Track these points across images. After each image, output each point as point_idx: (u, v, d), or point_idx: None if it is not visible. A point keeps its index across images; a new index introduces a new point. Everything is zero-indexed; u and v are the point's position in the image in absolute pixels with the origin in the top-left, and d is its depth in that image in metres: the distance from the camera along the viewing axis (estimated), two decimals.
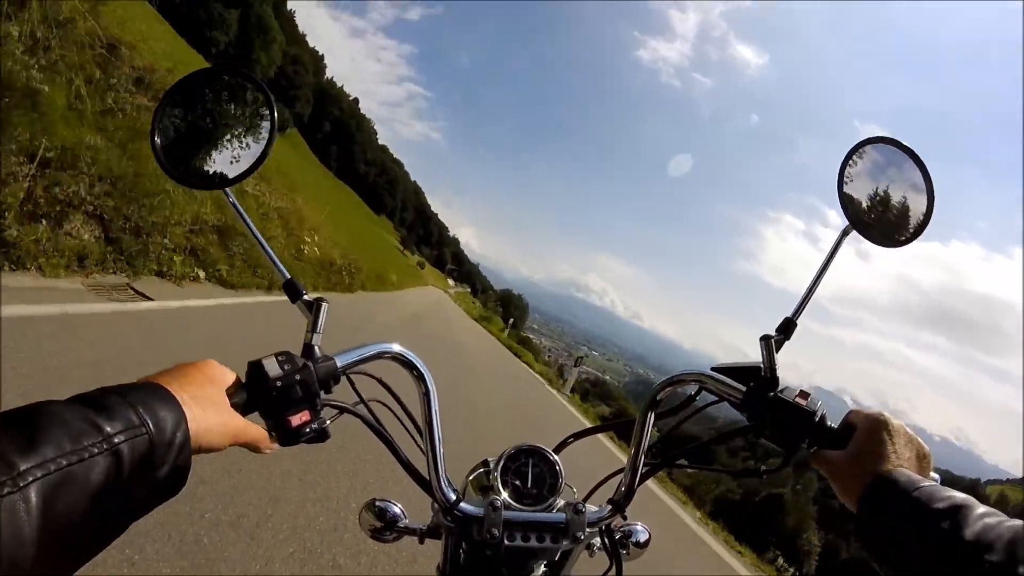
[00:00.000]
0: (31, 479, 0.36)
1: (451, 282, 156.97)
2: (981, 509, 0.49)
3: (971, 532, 0.47)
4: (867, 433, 0.63)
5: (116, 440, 0.42)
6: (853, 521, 0.57)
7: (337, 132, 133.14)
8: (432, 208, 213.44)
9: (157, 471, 0.45)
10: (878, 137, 0.81)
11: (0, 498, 0.34)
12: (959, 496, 0.52)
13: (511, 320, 58.23)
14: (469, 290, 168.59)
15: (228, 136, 0.82)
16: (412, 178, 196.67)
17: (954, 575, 0.47)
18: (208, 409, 0.52)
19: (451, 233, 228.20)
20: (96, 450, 0.40)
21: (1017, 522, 0.47)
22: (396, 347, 0.75)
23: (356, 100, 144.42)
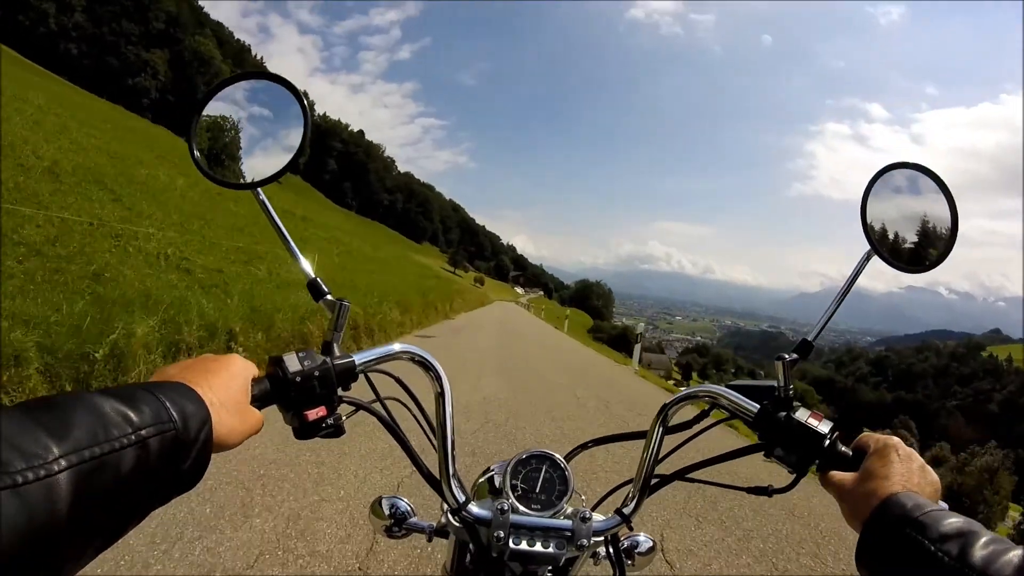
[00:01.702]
0: (66, 464, 0.38)
1: (519, 290, 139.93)
2: (987, 535, 0.49)
3: (978, 557, 0.47)
4: (877, 456, 0.63)
5: (145, 433, 0.44)
6: (857, 545, 0.56)
7: (345, 167, 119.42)
8: (478, 221, 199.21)
9: (180, 465, 0.47)
10: (903, 163, 0.81)
11: (37, 480, 0.36)
12: (965, 521, 0.51)
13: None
14: (542, 293, 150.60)
15: (259, 139, 0.85)
16: (448, 196, 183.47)
17: None
18: (231, 411, 0.55)
19: (504, 242, 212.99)
20: (127, 441, 0.42)
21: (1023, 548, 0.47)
22: (413, 348, 0.76)
23: (361, 132, 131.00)
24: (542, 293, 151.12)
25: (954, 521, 0.51)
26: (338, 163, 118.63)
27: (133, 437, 0.43)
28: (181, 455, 0.47)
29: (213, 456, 0.52)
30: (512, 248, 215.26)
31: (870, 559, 0.55)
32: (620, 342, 62.51)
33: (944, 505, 0.59)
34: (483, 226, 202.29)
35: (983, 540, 0.48)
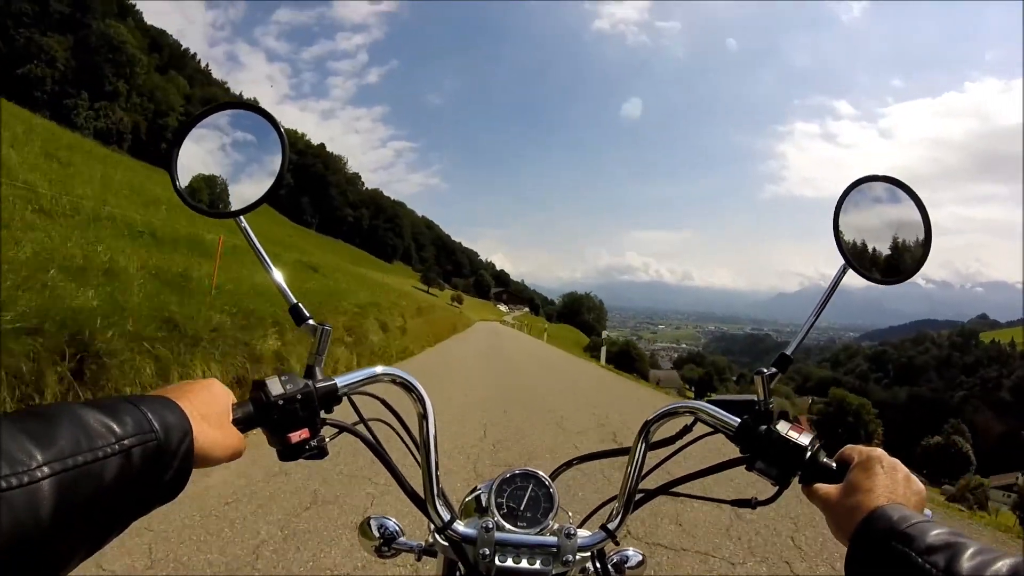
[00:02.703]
0: (49, 472, 0.38)
1: (503, 307, 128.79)
2: (975, 546, 0.49)
3: (966, 569, 0.47)
4: (862, 467, 0.64)
5: (128, 443, 0.44)
6: (845, 558, 0.57)
7: (303, 180, 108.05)
8: (454, 238, 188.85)
9: (162, 475, 0.48)
10: (874, 176, 0.82)
11: (21, 486, 0.36)
12: (951, 532, 0.51)
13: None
14: (527, 310, 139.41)
15: (239, 167, 0.88)
16: (420, 213, 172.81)
17: None
18: (213, 426, 0.56)
19: (483, 258, 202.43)
20: (110, 450, 0.43)
21: (1010, 557, 0.47)
22: (394, 370, 0.78)
23: (322, 145, 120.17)
24: (527, 309, 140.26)
25: (940, 532, 0.51)
26: (294, 176, 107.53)
27: (116, 447, 0.43)
28: (163, 465, 0.48)
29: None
30: (492, 265, 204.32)
31: (858, 572, 0.55)
32: (624, 360, 51.20)
33: (929, 515, 0.59)
34: (459, 243, 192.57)
35: (970, 551, 0.48)
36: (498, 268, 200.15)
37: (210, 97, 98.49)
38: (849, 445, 0.68)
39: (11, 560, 0.36)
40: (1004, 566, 0.46)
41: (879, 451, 0.65)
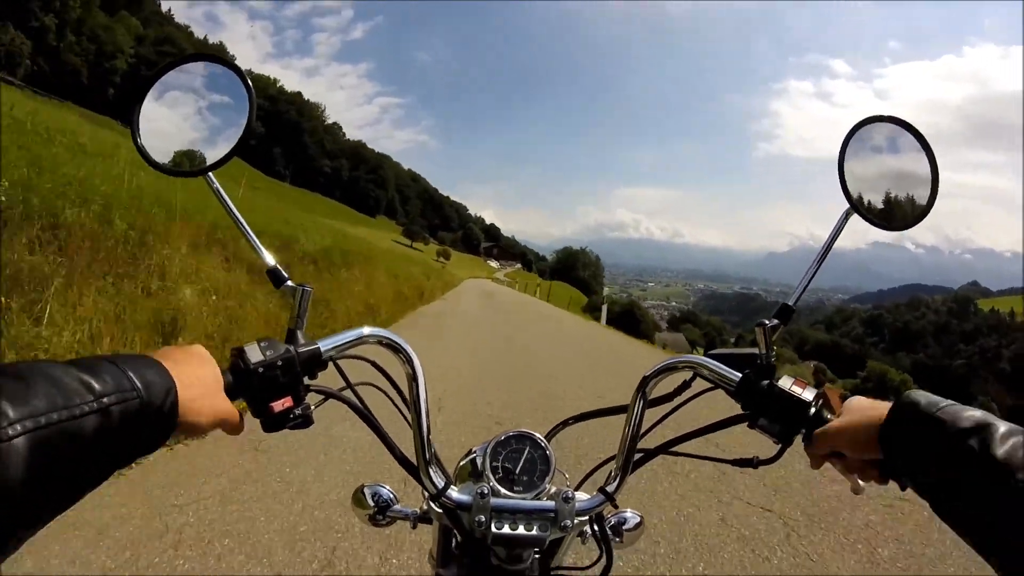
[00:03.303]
0: (21, 430, 0.38)
1: (493, 263, 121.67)
2: (1005, 427, 0.49)
3: (1001, 450, 0.47)
4: (856, 399, 0.65)
5: (107, 401, 0.44)
6: (879, 461, 0.56)
7: (274, 128, 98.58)
8: (441, 191, 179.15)
9: (143, 430, 0.48)
10: (879, 116, 0.78)
11: None
12: (981, 414, 0.51)
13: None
14: (519, 266, 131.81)
15: (206, 122, 0.83)
16: (406, 167, 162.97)
17: (987, 493, 0.47)
18: (198, 387, 0.55)
19: (472, 213, 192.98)
20: (87, 408, 0.43)
21: None
22: (381, 331, 0.75)
23: (298, 93, 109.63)
24: (519, 266, 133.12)
25: (970, 415, 0.51)
26: (265, 124, 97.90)
27: (95, 404, 0.43)
28: (145, 421, 0.47)
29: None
30: (481, 219, 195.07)
31: (896, 466, 0.56)
32: (628, 322, 44.39)
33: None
34: (447, 196, 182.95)
35: (1001, 431, 0.49)
36: (488, 223, 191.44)
37: (166, 38, 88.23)
38: (829, 387, 0.64)
39: None
40: None
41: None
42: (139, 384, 0.47)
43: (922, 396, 0.55)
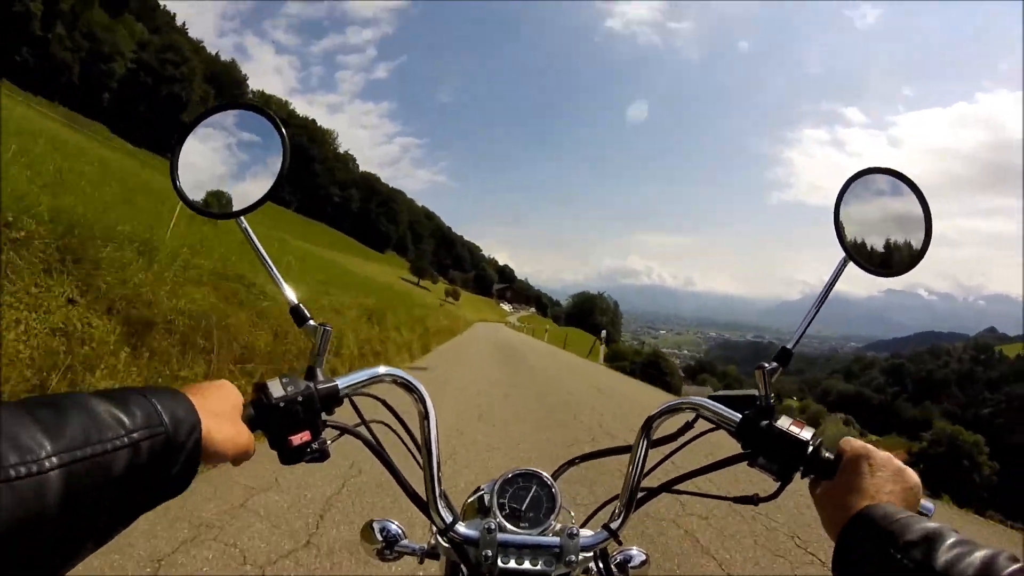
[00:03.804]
0: (58, 463, 0.38)
1: (506, 306, 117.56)
2: (953, 538, 0.50)
3: (941, 561, 0.48)
4: (850, 466, 0.65)
5: (137, 436, 0.44)
6: (832, 555, 0.58)
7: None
8: (455, 231, 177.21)
9: (170, 469, 0.48)
10: (874, 168, 0.82)
11: (29, 475, 0.36)
12: (933, 526, 0.52)
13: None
14: (533, 310, 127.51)
15: (241, 168, 0.89)
16: (420, 204, 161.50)
17: None
18: (222, 422, 0.56)
19: (486, 254, 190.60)
20: (119, 443, 0.43)
21: (988, 549, 0.48)
22: (396, 370, 0.77)
23: (315, 120, 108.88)
24: (534, 310, 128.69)
25: (921, 527, 0.52)
26: None
27: (126, 439, 0.43)
28: (171, 459, 0.48)
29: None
30: (494, 261, 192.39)
31: (842, 569, 0.57)
32: (653, 373, 39.71)
33: (930, 507, 0.62)
34: (461, 236, 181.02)
35: (948, 543, 0.49)
36: (501, 264, 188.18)
37: (170, 45, 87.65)
38: (845, 438, 0.69)
39: (17, 550, 0.36)
40: (978, 558, 0.47)
41: (870, 447, 0.66)
42: (167, 419, 0.47)
43: (881, 509, 0.57)
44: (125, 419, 0.44)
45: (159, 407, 0.48)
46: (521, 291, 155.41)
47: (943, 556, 0.48)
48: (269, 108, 0.85)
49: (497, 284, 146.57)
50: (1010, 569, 0.45)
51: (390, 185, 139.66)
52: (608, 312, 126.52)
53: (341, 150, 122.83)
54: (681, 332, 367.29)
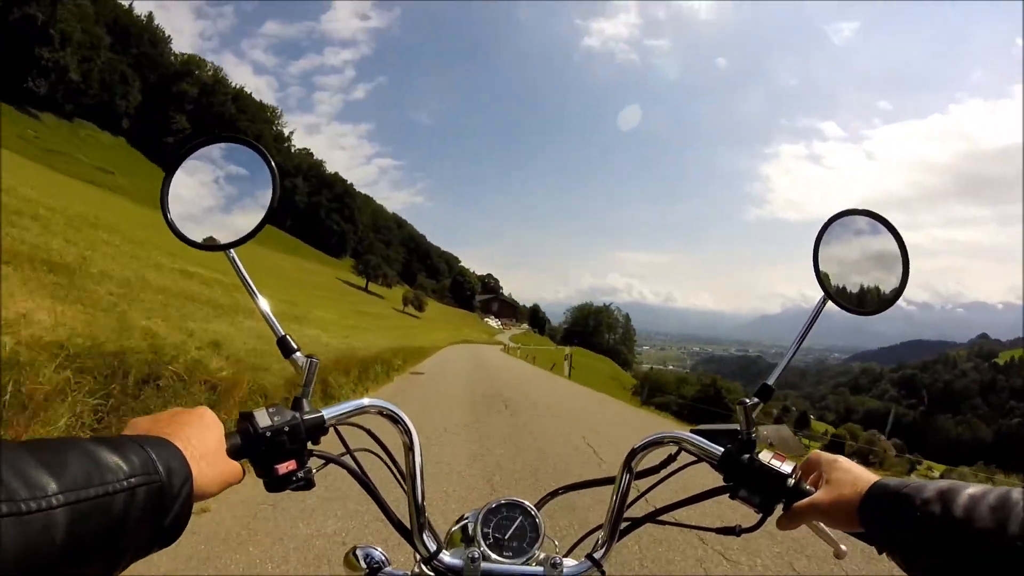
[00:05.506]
0: (64, 500, 0.39)
1: (493, 322, 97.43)
2: (968, 488, 0.53)
3: (959, 509, 0.51)
4: (834, 469, 0.67)
5: (134, 481, 0.45)
6: (860, 536, 0.61)
7: (201, 123, 78.55)
8: (430, 239, 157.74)
9: (163, 518, 0.48)
10: (853, 209, 0.84)
11: (39, 511, 0.37)
12: (944, 482, 0.56)
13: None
14: (527, 327, 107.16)
15: (230, 200, 0.90)
16: (391, 210, 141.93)
17: (952, 550, 0.51)
18: (210, 463, 0.57)
19: (465, 265, 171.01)
20: (118, 487, 0.44)
21: (1002, 488, 0.51)
22: (381, 402, 0.78)
23: (266, 103, 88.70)
24: (527, 326, 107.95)
25: (934, 486, 0.56)
26: (191, 120, 76.66)
27: (124, 483, 0.44)
28: (164, 507, 0.48)
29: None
30: (473, 273, 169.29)
31: (879, 542, 0.59)
32: (712, 407, 30.52)
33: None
34: (437, 247, 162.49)
35: (963, 493, 0.53)
36: (483, 274, 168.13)
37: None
38: (814, 451, 0.73)
39: None
40: (995, 497, 0.50)
41: (842, 457, 0.69)
42: (162, 469, 0.48)
43: (890, 480, 0.60)
44: (123, 464, 0.45)
45: (154, 456, 0.48)
46: (510, 302, 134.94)
47: (960, 504, 0.51)
48: (248, 135, 0.81)
49: (480, 295, 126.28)
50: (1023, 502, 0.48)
51: (347, 181, 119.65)
52: (617, 327, 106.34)
53: (282, 126, 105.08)
54: (664, 348, 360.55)
